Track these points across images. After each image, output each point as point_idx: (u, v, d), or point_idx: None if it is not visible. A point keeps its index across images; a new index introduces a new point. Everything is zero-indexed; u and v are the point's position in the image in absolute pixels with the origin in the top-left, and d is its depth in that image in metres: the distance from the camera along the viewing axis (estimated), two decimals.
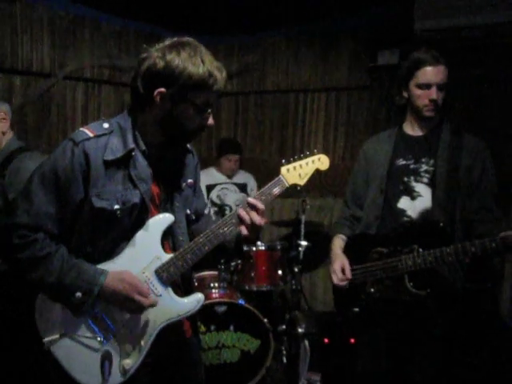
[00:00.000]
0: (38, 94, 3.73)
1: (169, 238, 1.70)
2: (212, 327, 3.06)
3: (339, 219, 2.60)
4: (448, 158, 2.23)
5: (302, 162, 1.76)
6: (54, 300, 1.58)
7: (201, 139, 4.99)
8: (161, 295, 1.61)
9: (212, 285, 3.26)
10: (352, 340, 2.86)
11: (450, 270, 2.21)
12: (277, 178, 1.72)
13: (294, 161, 1.76)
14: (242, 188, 4.24)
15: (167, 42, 1.57)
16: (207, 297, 3.10)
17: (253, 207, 1.62)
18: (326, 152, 1.83)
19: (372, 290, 2.27)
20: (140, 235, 1.60)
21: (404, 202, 2.30)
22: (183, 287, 1.75)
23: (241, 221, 1.62)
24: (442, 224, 2.14)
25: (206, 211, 1.99)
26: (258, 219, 1.61)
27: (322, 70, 4.33)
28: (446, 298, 2.22)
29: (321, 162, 1.79)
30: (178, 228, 1.71)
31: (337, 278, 2.35)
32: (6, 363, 2.59)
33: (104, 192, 1.53)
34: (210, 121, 1.62)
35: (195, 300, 1.64)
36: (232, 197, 4.15)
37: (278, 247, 3.43)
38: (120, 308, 1.58)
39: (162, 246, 1.64)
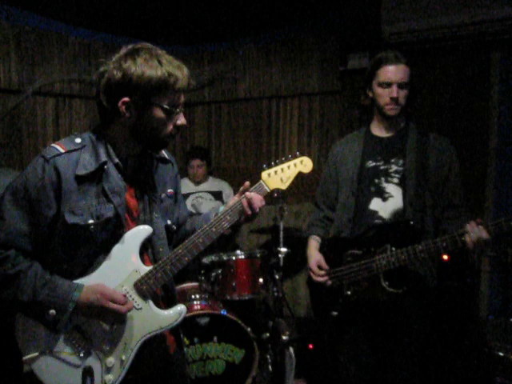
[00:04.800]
0: (7, 111, 3.65)
1: (148, 249, 1.67)
2: (195, 339, 3.01)
3: (313, 221, 2.62)
4: (416, 157, 2.27)
5: (284, 166, 1.74)
6: (30, 318, 1.53)
7: (175, 149, 4.96)
8: (141, 308, 1.58)
9: (193, 296, 3.22)
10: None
11: (423, 266, 2.26)
12: (257, 184, 1.71)
13: (276, 165, 1.74)
14: (217, 196, 4.22)
15: (122, 50, 1.55)
16: (189, 309, 3.05)
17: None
18: None
19: (349, 292, 2.28)
20: (117, 249, 1.57)
21: (375, 204, 2.32)
22: (166, 299, 1.73)
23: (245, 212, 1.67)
24: (411, 222, 2.18)
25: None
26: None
27: (293, 76, 4.34)
28: (420, 294, 2.26)
29: (303, 164, 1.77)
30: (158, 239, 1.68)
31: (314, 274, 2.38)
32: None
33: (77, 207, 1.50)
34: (182, 120, 1.58)
35: (177, 312, 1.61)
36: (207, 205, 4.12)
37: (258, 255, 3.40)
38: (100, 320, 1.54)
39: (141, 259, 1.61)
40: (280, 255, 3.36)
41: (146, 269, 1.60)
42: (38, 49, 3.79)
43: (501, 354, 2.88)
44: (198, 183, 4.23)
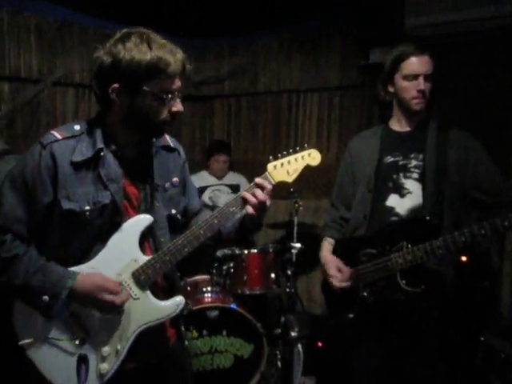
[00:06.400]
0: (27, 100, 3.70)
1: (149, 239, 1.65)
2: (204, 332, 3.01)
3: (328, 222, 2.55)
4: (436, 152, 2.18)
5: (291, 158, 1.68)
6: (24, 303, 1.54)
7: (194, 142, 4.96)
8: (138, 298, 1.56)
9: (204, 289, 3.21)
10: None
11: (440, 264, 2.17)
12: (262, 176, 1.66)
13: (282, 157, 1.69)
14: (235, 189, 4.22)
15: (116, 35, 1.51)
16: (199, 301, 3.06)
17: (259, 187, 1.60)
18: (320, 151, 1.75)
19: (365, 293, 2.21)
20: (116, 237, 1.55)
21: (393, 200, 2.24)
22: (167, 289, 1.71)
23: (246, 201, 1.59)
24: (428, 217, 2.10)
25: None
26: (261, 195, 1.58)
27: (314, 70, 4.28)
28: (439, 293, 2.18)
29: (311, 157, 1.70)
30: (159, 229, 1.66)
31: (337, 280, 2.27)
32: None
33: (74, 194, 1.50)
34: (178, 107, 1.54)
35: (174, 303, 1.60)
36: (224, 198, 4.10)
37: (271, 250, 3.38)
38: (95, 309, 1.53)
39: (140, 248, 1.59)
40: (293, 251, 3.31)
41: (145, 258, 1.58)
42: (59, 39, 3.81)
43: None
44: (219, 178, 4.23)
